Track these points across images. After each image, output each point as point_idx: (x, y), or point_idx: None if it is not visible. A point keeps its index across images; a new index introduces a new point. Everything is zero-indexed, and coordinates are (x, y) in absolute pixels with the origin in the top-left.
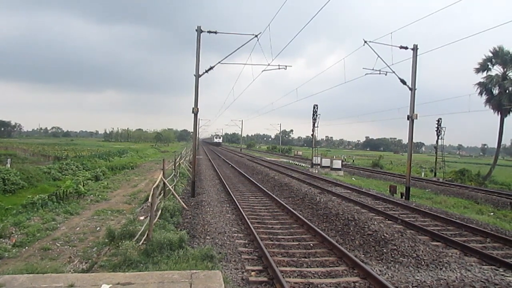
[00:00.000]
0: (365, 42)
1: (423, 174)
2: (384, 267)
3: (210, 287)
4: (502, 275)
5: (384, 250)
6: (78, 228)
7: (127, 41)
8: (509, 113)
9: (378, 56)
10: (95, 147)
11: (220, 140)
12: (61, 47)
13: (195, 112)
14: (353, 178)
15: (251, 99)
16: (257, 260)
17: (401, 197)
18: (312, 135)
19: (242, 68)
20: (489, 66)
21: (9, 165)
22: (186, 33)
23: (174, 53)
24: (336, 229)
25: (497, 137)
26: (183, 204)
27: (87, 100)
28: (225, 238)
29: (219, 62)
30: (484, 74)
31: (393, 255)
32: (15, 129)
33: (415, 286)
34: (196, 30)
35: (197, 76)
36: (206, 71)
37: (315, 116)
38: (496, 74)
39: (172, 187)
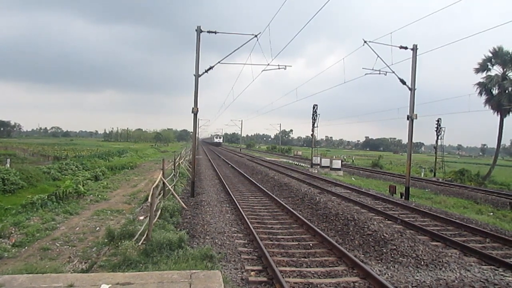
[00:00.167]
0: (365, 42)
1: (422, 174)
2: (384, 267)
3: (209, 287)
4: (502, 275)
5: (384, 250)
6: (77, 228)
7: (126, 41)
8: (508, 113)
9: (378, 56)
10: (94, 147)
11: (221, 140)
12: (61, 47)
13: (195, 112)
14: (352, 178)
15: (250, 99)
16: (257, 260)
17: (401, 197)
18: (311, 135)
19: (242, 68)
20: (489, 66)
21: (8, 165)
22: (186, 33)
23: (174, 53)
24: (335, 229)
25: (496, 137)
26: (182, 204)
27: (86, 100)
28: (225, 238)
29: (218, 62)
30: (484, 74)
31: (392, 255)
32: (14, 129)
33: (415, 286)
34: (196, 30)
35: (197, 76)
36: (206, 71)
37: (314, 116)
38: (496, 74)
39: (171, 187)
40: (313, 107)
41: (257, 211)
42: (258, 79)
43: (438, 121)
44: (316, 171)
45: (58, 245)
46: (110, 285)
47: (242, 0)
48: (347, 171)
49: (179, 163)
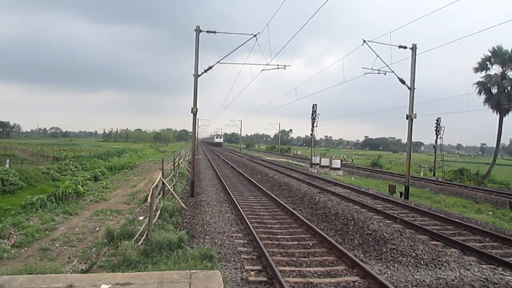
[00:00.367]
0: (364, 41)
1: (422, 173)
2: (384, 266)
3: (209, 287)
4: (501, 274)
5: (384, 250)
6: (77, 229)
7: (126, 41)
8: (508, 112)
9: (377, 56)
10: (94, 147)
11: (221, 140)
12: (60, 47)
13: (194, 112)
14: (352, 178)
15: (250, 99)
16: (257, 259)
17: (400, 197)
18: (311, 134)
19: (241, 68)
20: (488, 66)
21: (8, 166)
22: (185, 33)
23: (173, 53)
24: (335, 229)
25: (496, 136)
26: (182, 204)
27: (86, 100)
28: (224, 238)
29: (218, 62)
30: (483, 73)
31: (392, 255)
32: (14, 129)
33: (415, 286)
34: (195, 30)
35: (196, 76)
36: (205, 71)
37: (314, 115)
38: (495, 74)
39: (171, 187)
40: (313, 107)
41: (257, 210)
42: (258, 79)
43: (437, 120)
44: (315, 171)
45: (57, 245)
46: (109, 285)
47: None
48: (346, 170)
49: (178, 163)
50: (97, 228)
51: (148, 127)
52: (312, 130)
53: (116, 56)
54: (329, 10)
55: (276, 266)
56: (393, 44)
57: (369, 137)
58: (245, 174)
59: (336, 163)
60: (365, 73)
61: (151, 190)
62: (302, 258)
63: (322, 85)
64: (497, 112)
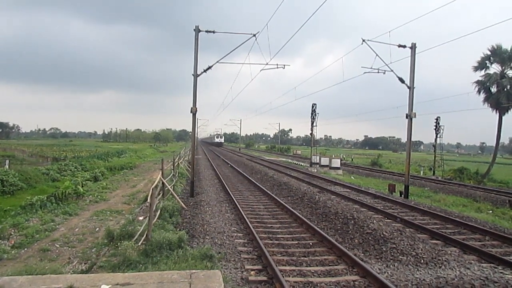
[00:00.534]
0: (363, 41)
1: (422, 172)
2: (384, 265)
3: (209, 287)
4: (501, 273)
5: (384, 249)
6: (77, 229)
7: (125, 40)
8: (507, 111)
9: (377, 55)
10: (93, 147)
11: (222, 140)
12: (59, 47)
13: (194, 112)
14: (352, 177)
15: (249, 99)
16: (257, 259)
17: (400, 196)
18: (311, 134)
19: (241, 68)
20: (488, 65)
21: (7, 166)
22: (185, 33)
23: (173, 52)
24: (335, 228)
25: (495, 135)
26: (182, 204)
27: (86, 100)
28: (224, 238)
29: (217, 62)
30: (483, 72)
31: (392, 254)
32: (13, 130)
33: (415, 285)
34: (194, 29)
35: (196, 75)
36: (205, 71)
37: (313, 115)
38: (495, 73)
39: (171, 187)
40: (312, 106)
41: (257, 210)
42: (257, 79)
43: (437, 119)
44: (315, 170)
45: (57, 246)
46: (110, 286)
47: None
48: (346, 170)
49: (178, 163)
50: (97, 229)
51: (148, 127)
52: (312, 130)
53: (116, 56)
54: (329, 9)
55: (276, 266)
56: (393, 43)
57: (369, 136)
58: (244, 174)
59: (336, 163)
60: (364, 72)
61: (151, 190)
62: (302, 258)
63: (321, 85)
64: (496, 111)
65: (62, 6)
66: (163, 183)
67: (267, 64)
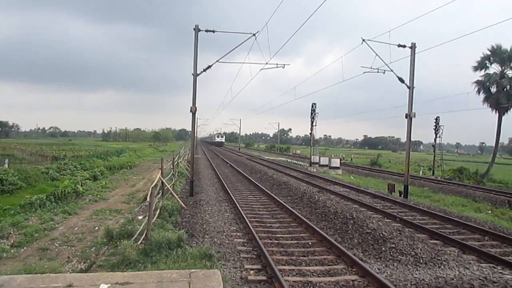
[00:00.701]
0: (363, 40)
1: (421, 172)
2: (383, 265)
3: (209, 286)
4: (501, 273)
5: (383, 248)
6: (76, 228)
7: (125, 40)
8: (506, 111)
9: (377, 55)
10: (93, 146)
11: (223, 140)
12: (59, 47)
13: (193, 111)
14: (351, 177)
15: (249, 98)
16: (256, 259)
17: (400, 195)
18: (310, 133)
19: (240, 67)
20: (487, 65)
21: (7, 166)
22: (185, 32)
23: (172, 52)
24: (334, 228)
25: (495, 135)
26: (181, 203)
27: (85, 100)
28: (224, 237)
29: (217, 61)
30: (482, 72)
31: (391, 253)
32: (12, 129)
33: (414, 284)
34: (194, 29)
35: (195, 75)
36: (204, 70)
37: (313, 114)
38: (494, 73)
39: (170, 187)
40: (312, 106)
41: (256, 210)
42: (257, 78)
43: (436, 119)
44: (315, 170)
45: (57, 245)
46: (109, 285)
47: None
48: (345, 169)
49: (177, 163)
50: (96, 228)
51: (147, 126)
52: (311, 129)
53: (116, 56)
54: (328, 9)
55: (276, 265)
56: (392, 43)
57: (368, 136)
58: (244, 173)
59: (335, 162)
60: (364, 72)
61: (150, 189)
62: (301, 257)
63: (321, 84)
64: (496, 111)
65: (62, 6)
66: (162, 182)
67: (266, 63)
